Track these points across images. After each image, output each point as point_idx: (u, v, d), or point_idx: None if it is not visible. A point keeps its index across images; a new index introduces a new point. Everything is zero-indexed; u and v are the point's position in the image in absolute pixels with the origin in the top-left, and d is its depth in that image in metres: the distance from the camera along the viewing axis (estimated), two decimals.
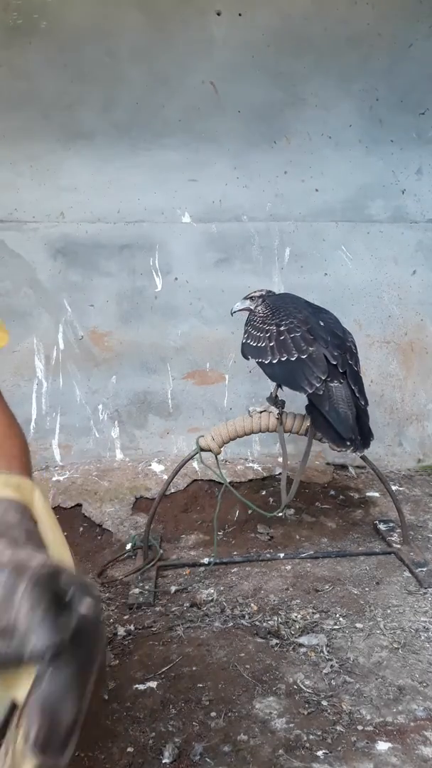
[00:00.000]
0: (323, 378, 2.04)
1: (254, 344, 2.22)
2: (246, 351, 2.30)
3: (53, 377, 2.89)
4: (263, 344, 2.18)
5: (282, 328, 2.14)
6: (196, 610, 2.03)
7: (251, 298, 2.36)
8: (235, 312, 2.40)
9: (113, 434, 2.95)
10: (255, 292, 2.39)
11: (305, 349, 2.09)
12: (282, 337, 2.13)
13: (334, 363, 2.08)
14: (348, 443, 2.02)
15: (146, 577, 2.24)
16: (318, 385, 2.03)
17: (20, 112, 2.74)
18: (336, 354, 2.10)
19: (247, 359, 2.33)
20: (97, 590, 2.13)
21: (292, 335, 2.12)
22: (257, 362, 2.24)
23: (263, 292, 2.38)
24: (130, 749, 1.45)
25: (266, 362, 2.17)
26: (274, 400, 2.28)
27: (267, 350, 2.16)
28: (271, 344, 2.15)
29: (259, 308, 2.31)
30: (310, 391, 2.04)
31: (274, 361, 2.13)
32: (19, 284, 2.85)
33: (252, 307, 2.35)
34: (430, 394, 3.16)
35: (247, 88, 2.84)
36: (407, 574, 2.22)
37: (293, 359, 2.08)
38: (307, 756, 1.42)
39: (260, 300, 2.34)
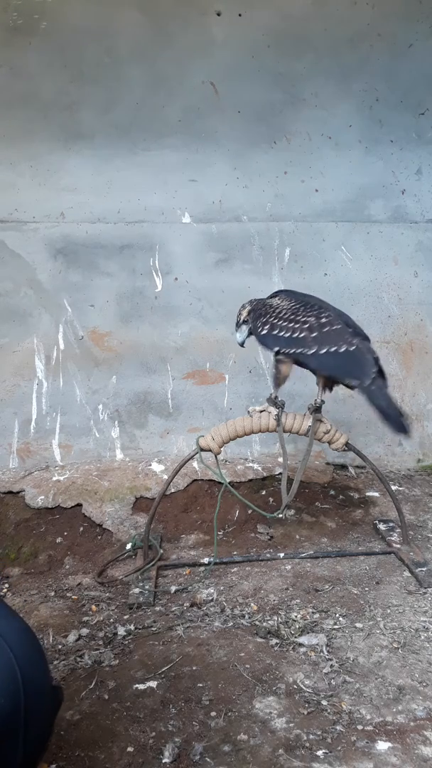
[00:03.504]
0: (374, 371, 2.04)
1: (287, 335, 2.14)
2: (272, 342, 2.20)
3: (53, 377, 2.89)
4: (302, 335, 2.12)
5: (323, 320, 2.12)
6: (196, 609, 2.04)
7: (245, 322, 2.31)
8: (244, 342, 2.34)
9: (113, 434, 2.95)
10: (241, 312, 2.32)
11: (350, 341, 2.08)
12: (325, 329, 2.10)
13: (376, 356, 2.09)
14: (407, 429, 2.06)
15: (146, 576, 2.24)
16: (373, 377, 2.03)
17: (20, 112, 2.75)
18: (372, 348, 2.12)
19: (272, 350, 2.23)
20: None
21: (334, 327, 2.10)
22: (293, 352, 2.15)
23: (251, 305, 2.31)
24: (130, 749, 1.45)
25: (309, 353, 2.10)
26: (274, 401, 2.27)
27: (308, 341, 2.10)
28: (313, 335, 2.10)
29: (275, 301, 2.25)
30: (368, 382, 2.03)
31: (321, 352, 2.09)
32: (19, 284, 2.85)
33: (251, 317, 2.27)
34: (430, 394, 3.16)
35: (247, 88, 2.84)
36: (407, 573, 2.22)
37: (342, 351, 2.07)
38: (307, 756, 1.42)
39: (259, 306, 2.27)
